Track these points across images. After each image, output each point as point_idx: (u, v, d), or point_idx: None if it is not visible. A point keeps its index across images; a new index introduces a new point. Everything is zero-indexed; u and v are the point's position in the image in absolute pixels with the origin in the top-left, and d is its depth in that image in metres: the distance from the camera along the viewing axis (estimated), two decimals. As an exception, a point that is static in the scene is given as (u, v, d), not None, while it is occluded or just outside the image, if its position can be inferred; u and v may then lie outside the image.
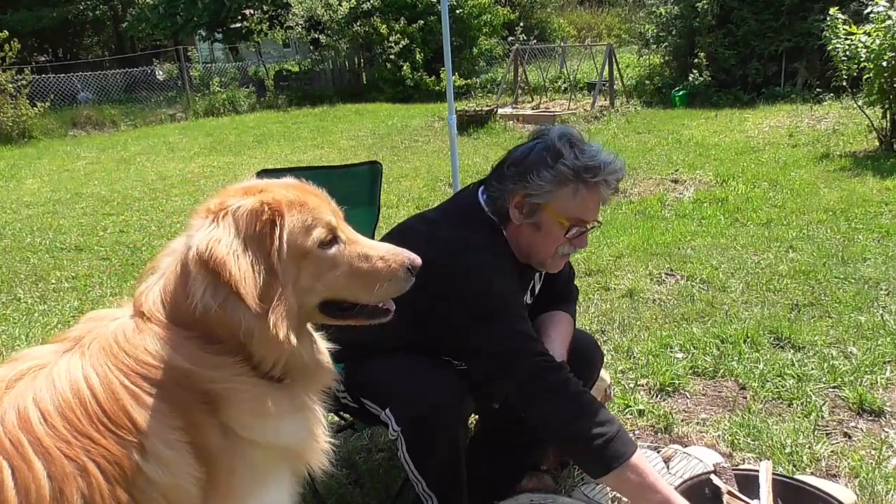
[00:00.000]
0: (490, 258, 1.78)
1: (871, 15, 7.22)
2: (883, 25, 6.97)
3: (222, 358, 1.21)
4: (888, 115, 7.36)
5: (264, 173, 2.47)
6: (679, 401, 2.85)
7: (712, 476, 1.98)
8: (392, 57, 15.76)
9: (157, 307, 1.23)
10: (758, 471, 1.99)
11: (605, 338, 3.45)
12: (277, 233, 1.22)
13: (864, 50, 7.07)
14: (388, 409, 1.78)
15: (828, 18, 7.65)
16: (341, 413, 2.15)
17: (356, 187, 2.55)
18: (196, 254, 1.18)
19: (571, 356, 2.00)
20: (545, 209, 1.76)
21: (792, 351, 3.17)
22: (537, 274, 2.04)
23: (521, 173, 1.75)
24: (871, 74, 7.15)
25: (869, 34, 7.12)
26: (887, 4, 7.13)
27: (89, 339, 1.22)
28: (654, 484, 1.67)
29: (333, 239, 1.30)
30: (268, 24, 17.87)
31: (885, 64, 6.93)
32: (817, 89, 10.88)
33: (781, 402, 2.77)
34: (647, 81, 13.64)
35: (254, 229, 1.21)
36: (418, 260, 1.35)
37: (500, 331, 1.72)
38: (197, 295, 1.19)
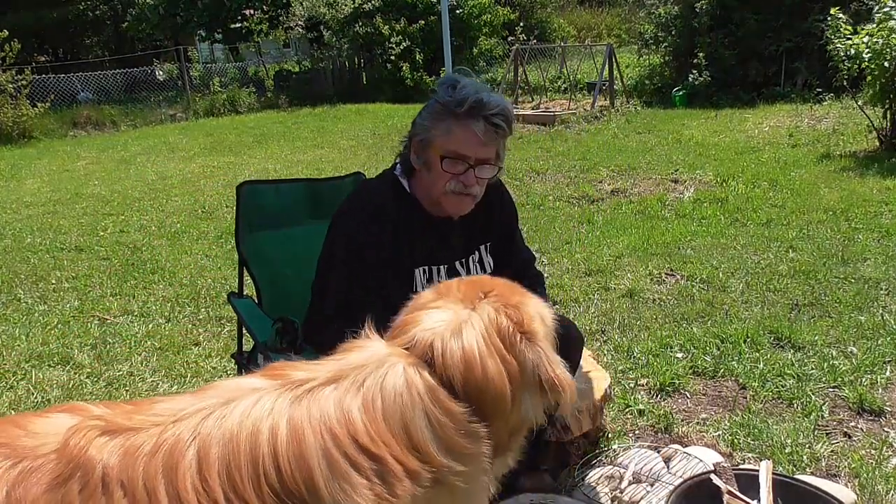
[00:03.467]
0: (375, 200, 1.93)
1: (876, 15, 7.21)
2: (886, 26, 6.96)
3: (476, 448, 1.14)
4: (888, 115, 7.36)
5: (248, 184, 2.47)
6: (679, 401, 2.85)
7: (712, 476, 1.98)
8: (392, 57, 15.77)
9: (458, 371, 1.17)
10: (758, 471, 1.99)
11: (605, 338, 3.45)
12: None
13: (866, 50, 7.06)
14: None
15: (829, 18, 7.66)
16: None
17: (342, 199, 2.56)
18: (563, 383, 1.27)
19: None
20: (429, 147, 1.86)
21: (792, 351, 3.17)
22: (483, 246, 2.05)
23: (413, 121, 1.90)
24: (872, 75, 7.15)
25: (871, 34, 7.11)
26: (893, 5, 7.12)
27: (320, 383, 1.07)
28: None
29: None
30: (268, 24, 17.87)
31: (886, 64, 6.92)
32: (817, 89, 10.88)
33: (781, 402, 2.77)
34: (647, 81, 13.64)
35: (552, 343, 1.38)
36: None
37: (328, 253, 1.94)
38: (530, 409, 1.26)
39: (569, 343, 2.10)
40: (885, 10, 7.08)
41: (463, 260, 2.01)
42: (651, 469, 2.28)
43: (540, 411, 1.28)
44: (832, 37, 7.58)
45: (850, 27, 7.46)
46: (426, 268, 1.92)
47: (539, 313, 1.35)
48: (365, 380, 1.08)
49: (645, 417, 2.71)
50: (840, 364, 3.00)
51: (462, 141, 1.82)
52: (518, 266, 2.15)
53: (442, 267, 1.95)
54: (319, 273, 2.01)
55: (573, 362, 2.11)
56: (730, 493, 1.91)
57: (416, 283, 1.91)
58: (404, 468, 1.02)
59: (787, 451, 2.42)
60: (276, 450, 0.97)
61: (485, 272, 2.07)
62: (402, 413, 1.06)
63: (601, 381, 2.49)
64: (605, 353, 3.27)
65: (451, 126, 1.81)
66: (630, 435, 2.61)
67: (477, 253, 2.04)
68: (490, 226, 2.00)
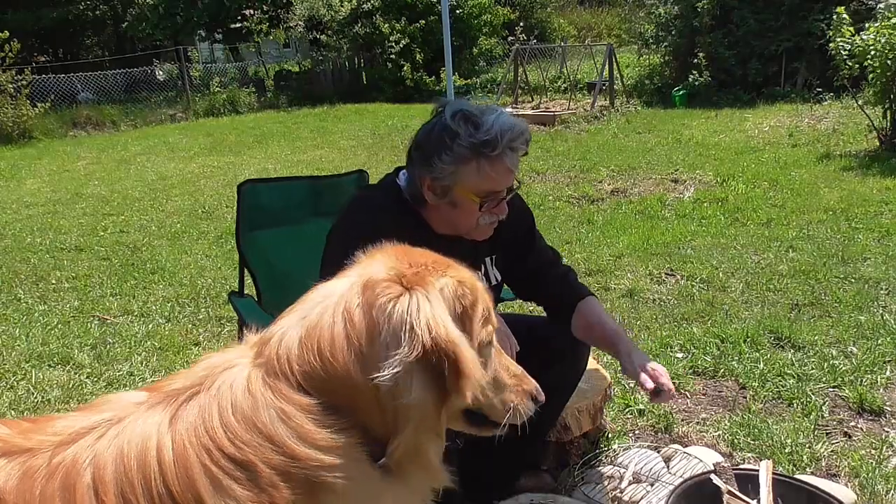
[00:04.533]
0: (370, 216, 1.82)
1: (879, 13, 7.18)
2: (890, 23, 6.93)
3: (340, 438, 1.02)
4: (888, 115, 7.35)
5: (249, 183, 2.47)
6: (679, 400, 2.85)
7: (712, 476, 1.98)
8: (392, 57, 15.77)
9: (293, 359, 1.04)
10: (758, 471, 1.99)
11: (605, 338, 3.44)
12: (472, 319, 1.13)
13: (871, 49, 7.03)
14: None
15: (833, 16, 7.64)
16: None
17: (344, 197, 2.55)
18: (426, 334, 1.02)
19: (556, 344, 2.02)
20: (455, 188, 1.76)
21: (792, 351, 3.17)
22: (488, 259, 2.02)
23: (424, 158, 1.76)
24: (874, 73, 7.13)
25: (875, 33, 7.07)
26: (893, 2, 7.09)
27: (188, 395, 1.04)
28: None
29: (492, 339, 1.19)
30: (267, 24, 17.88)
31: (889, 62, 6.90)
32: (817, 89, 10.88)
33: (781, 402, 2.77)
34: (647, 81, 13.64)
35: (458, 312, 1.11)
36: (542, 395, 1.31)
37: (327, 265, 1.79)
38: (396, 368, 1.01)
39: (581, 351, 2.10)
40: (888, 4, 7.04)
41: (482, 279, 1.99)
42: (651, 469, 2.28)
43: (423, 388, 1.03)
44: (834, 35, 7.56)
45: (851, 27, 7.44)
46: None
47: (448, 276, 1.13)
48: (219, 387, 1.04)
49: (645, 417, 2.71)
50: (840, 364, 3.00)
51: (496, 179, 1.77)
52: (542, 269, 2.11)
53: None
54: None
55: (580, 369, 2.11)
56: (730, 492, 1.91)
57: None
58: (273, 469, 0.98)
59: (787, 450, 2.42)
60: (164, 469, 0.96)
61: (490, 286, 2.04)
62: (251, 414, 1.01)
63: (601, 380, 2.49)
64: (605, 353, 3.27)
65: (483, 166, 1.73)
66: (630, 435, 2.61)
67: (483, 266, 2.02)
68: (497, 239, 1.96)
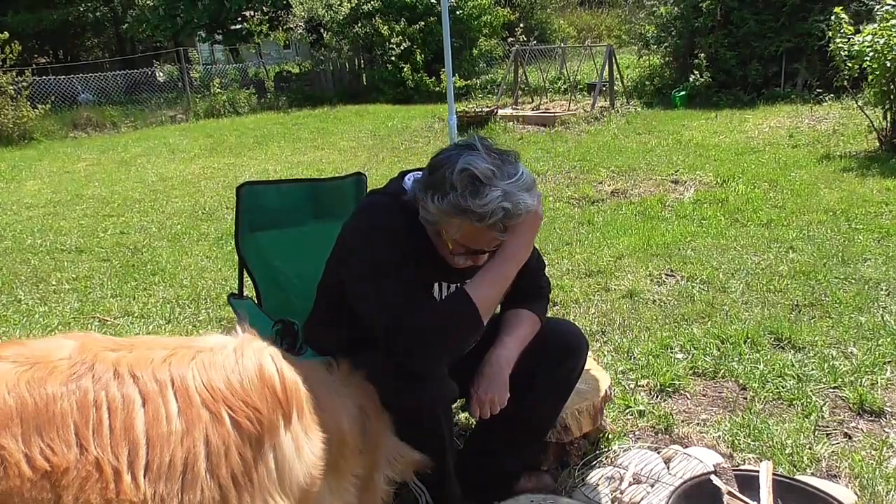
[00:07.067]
0: (384, 219, 1.82)
1: (879, 14, 7.18)
2: (889, 24, 6.93)
3: None
4: (888, 116, 7.35)
5: (247, 185, 2.47)
6: (679, 401, 2.85)
7: (712, 476, 1.98)
8: (392, 58, 15.78)
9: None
10: (758, 471, 1.99)
11: (605, 338, 3.45)
12: None
13: (868, 49, 7.03)
14: None
15: (832, 17, 7.64)
16: None
17: (343, 199, 2.55)
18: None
19: (553, 345, 2.02)
20: (438, 226, 1.76)
21: (792, 351, 3.17)
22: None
23: (426, 186, 1.74)
24: (874, 74, 7.12)
25: (874, 34, 7.08)
26: (893, 3, 7.09)
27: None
28: (487, 284, 1.74)
29: None
30: (268, 25, 17.89)
31: (888, 63, 6.90)
32: (817, 90, 10.88)
33: (782, 403, 2.77)
34: (647, 82, 13.64)
35: None
36: None
37: (367, 276, 1.79)
38: None
39: (574, 347, 2.10)
40: (886, 8, 7.04)
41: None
42: (651, 470, 2.28)
43: None
44: (834, 36, 7.56)
45: (851, 27, 7.44)
46: (437, 284, 1.90)
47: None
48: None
49: (645, 418, 2.71)
50: (840, 364, 3.00)
51: (476, 240, 1.74)
52: (525, 276, 2.12)
53: (454, 285, 1.92)
54: (325, 280, 2.00)
55: (574, 365, 2.11)
56: (730, 493, 1.91)
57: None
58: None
59: (787, 451, 2.42)
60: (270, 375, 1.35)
61: None
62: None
63: (601, 381, 2.49)
64: (606, 353, 3.27)
65: (464, 226, 1.69)
66: (630, 436, 2.61)
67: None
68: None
